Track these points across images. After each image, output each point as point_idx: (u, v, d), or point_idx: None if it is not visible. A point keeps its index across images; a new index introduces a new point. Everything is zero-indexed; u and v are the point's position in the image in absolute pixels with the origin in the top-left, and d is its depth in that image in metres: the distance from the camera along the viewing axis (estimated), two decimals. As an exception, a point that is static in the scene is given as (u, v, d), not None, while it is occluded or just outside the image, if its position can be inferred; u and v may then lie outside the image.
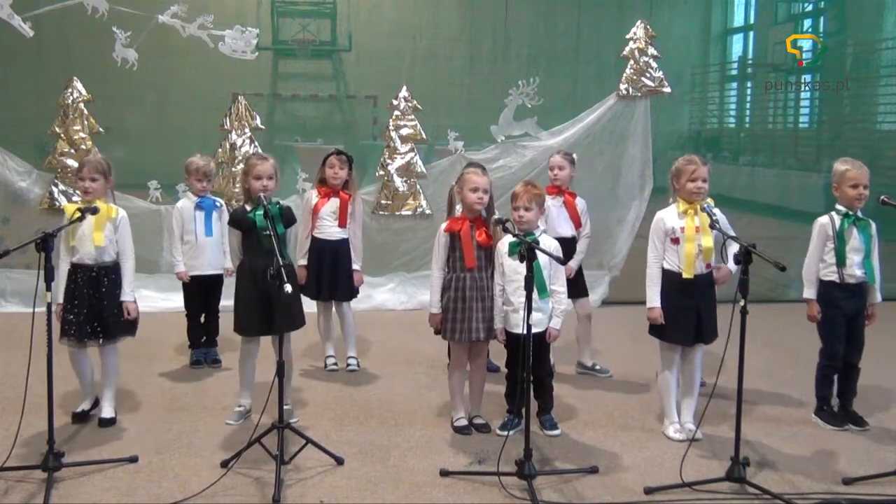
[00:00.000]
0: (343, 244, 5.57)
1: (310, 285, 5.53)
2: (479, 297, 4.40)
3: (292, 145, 8.28)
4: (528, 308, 3.80)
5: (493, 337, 4.49)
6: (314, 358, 5.89)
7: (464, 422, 4.60)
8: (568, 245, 5.33)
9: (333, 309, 5.76)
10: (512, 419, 4.49)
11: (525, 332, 3.81)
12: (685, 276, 4.33)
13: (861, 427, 4.69)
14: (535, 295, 3.90)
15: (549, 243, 4.38)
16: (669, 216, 4.45)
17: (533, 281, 3.82)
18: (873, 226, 4.69)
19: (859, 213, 4.65)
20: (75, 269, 4.49)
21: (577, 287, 5.50)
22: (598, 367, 5.71)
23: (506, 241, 4.34)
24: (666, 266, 4.44)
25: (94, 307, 4.48)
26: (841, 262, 4.60)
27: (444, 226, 4.49)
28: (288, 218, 4.60)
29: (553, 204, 5.47)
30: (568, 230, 5.52)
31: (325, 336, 5.78)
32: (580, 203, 5.61)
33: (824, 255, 4.67)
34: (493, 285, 4.44)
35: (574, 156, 5.72)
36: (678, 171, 4.41)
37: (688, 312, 4.37)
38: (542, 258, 4.09)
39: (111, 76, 7.43)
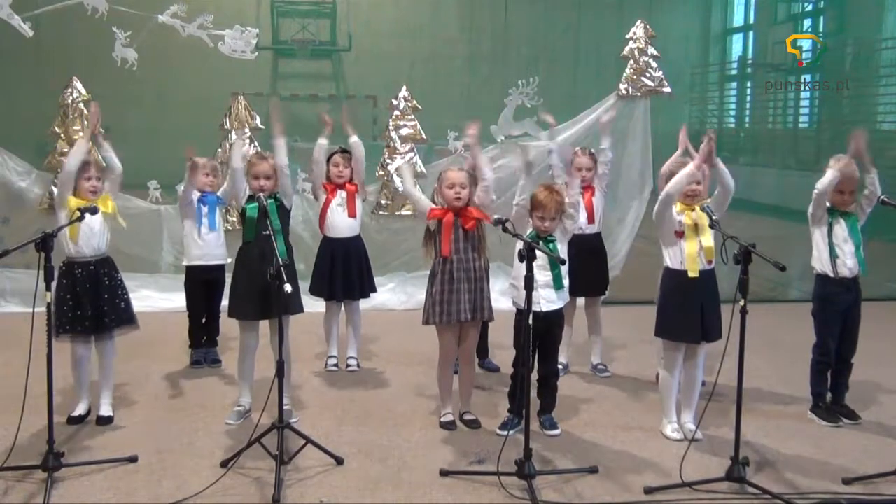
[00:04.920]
0: (354, 243, 5.65)
1: (322, 285, 5.60)
2: (465, 279, 4.41)
3: (292, 145, 8.27)
4: (529, 308, 3.81)
5: (484, 319, 4.49)
6: (314, 358, 5.89)
7: (450, 417, 4.61)
8: (588, 240, 5.46)
9: (342, 309, 5.78)
10: (512, 419, 4.48)
11: (525, 331, 3.81)
12: (690, 275, 4.30)
13: (854, 420, 4.74)
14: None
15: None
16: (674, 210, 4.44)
17: (532, 281, 3.83)
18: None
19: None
20: (72, 264, 4.49)
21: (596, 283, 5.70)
22: (600, 367, 5.72)
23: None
24: (670, 265, 4.43)
25: (94, 301, 4.49)
26: (832, 253, 4.64)
27: (431, 210, 4.48)
28: (284, 212, 4.69)
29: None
30: (583, 222, 5.53)
31: (329, 336, 5.79)
32: (597, 199, 5.59)
33: (818, 245, 4.72)
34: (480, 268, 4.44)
35: (593, 151, 5.62)
36: (671, 174, 4.40)
37: (693, 310, 4.35)
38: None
39: (111, 76, 7.43)
